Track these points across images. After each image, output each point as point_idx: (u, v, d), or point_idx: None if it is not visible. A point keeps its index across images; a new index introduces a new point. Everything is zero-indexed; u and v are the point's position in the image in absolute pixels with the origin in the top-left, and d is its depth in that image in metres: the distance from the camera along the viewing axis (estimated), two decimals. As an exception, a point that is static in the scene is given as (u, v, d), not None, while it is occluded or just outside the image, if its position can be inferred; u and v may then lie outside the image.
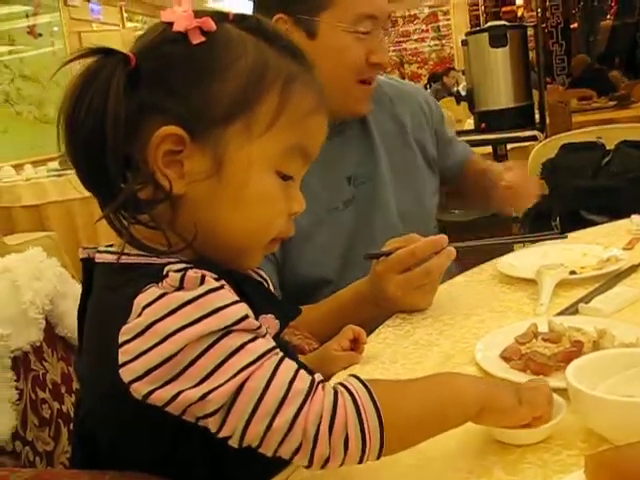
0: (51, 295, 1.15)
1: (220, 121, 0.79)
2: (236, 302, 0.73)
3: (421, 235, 1.29)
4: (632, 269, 1.39)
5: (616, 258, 1.42)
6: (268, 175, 0.82)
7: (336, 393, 0.72)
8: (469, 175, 1.88)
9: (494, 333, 1.13)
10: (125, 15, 10.26)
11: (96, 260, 0.83)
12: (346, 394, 0.72)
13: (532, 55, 5.12)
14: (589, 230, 1.79)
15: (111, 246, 0.83)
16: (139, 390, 0.70)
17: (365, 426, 0.71)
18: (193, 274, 0.72)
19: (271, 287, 0.93)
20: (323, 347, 1.14)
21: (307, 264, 1.52)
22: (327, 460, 0.71)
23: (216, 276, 0.75)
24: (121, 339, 0.71)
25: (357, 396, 0.72)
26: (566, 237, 1.49)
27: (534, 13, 6.29)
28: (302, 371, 0.73)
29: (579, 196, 3.00)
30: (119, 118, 0.76)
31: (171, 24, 0.80)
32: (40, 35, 8.71)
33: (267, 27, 0.86)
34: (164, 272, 0.73)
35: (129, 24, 10.27)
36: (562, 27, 5.61)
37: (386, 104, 1.72)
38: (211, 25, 0.80)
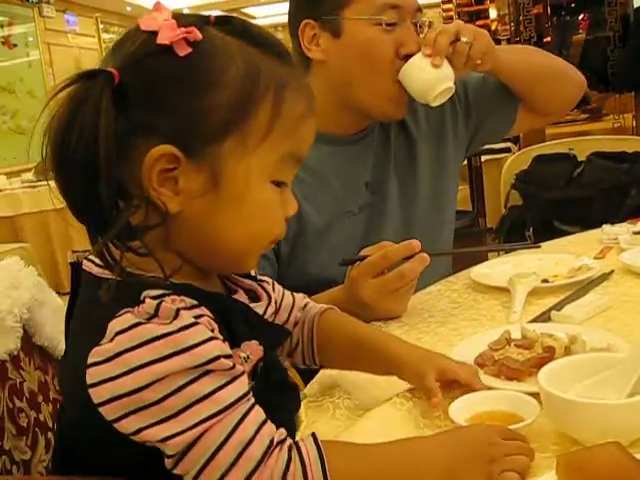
0: (28, 304, 1.14)
1: (215, 136, 0.77)
2: (210, 339, 0.72)
3: (429, 245, 1.29)
4: (603, 277, 1.42)
5: (587, 267, 1.45)
6: (265, 185, 0.81)
7: (289, 461, 0.71)
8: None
9: (468, 340, 1.15)
10: (101, 26, 10.22)
11: (83, 267, 0.82)
12: (298, 463, 0.71)
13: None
14: (561, 240, 1.81)
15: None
16: (106, 414, 0.71)
17: None
18: (169, 305, 0.71)
19: (270, 290, 0.93)
20: None
21: (318, 265, 1.51)
22: None
23: (196, 302, 0.74)
24: (90, 360, 0.71)
25: (309, 469, 0.71)
26: (539, 247, 1.50)
27: (508, 27, 6.36)
28: (264, 428, 0.72)
29: (552, 207, 3.03)
30: (111, 142, 0.73)
31: (152, 33, 0.77)
32: (15, 46, 8.67)
33: (252, 29, 0.84)
34: (141, 297, 0.72)
35: (105, 35, 10.23)
36: (535, 41, 5.67)
37: None
38: (197, 35, 0.77)
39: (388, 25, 1.45)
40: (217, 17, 0.83)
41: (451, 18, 8.24)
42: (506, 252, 1.70)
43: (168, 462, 0.72)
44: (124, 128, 0.75)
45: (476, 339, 1.14)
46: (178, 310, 0.71)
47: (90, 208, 0.76)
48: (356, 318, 1.10)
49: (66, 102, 0.75)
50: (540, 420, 0.84)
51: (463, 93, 1.69)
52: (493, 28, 7.77)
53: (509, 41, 5.07)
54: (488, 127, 1.73)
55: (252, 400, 0.74)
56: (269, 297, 0.92)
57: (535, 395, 0.86)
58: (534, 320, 1.23)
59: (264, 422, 0.73)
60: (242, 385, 0.74)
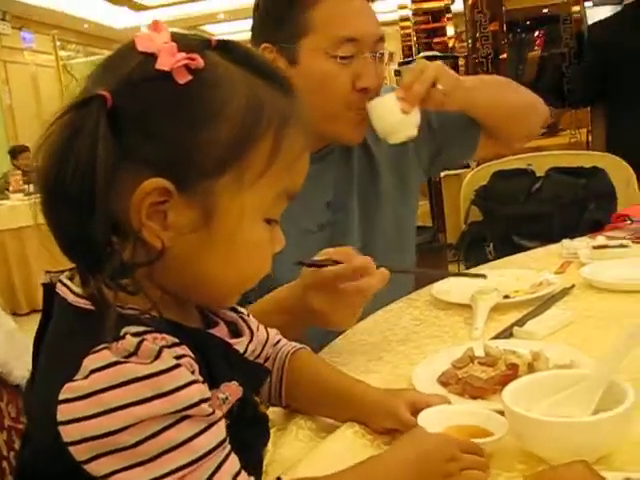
0: (-20, 328, 1.11)
1: (211, 172, 0.73)
2: (191, 383, 0.68)
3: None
4: (564, 292, 1.42)
5: (548, 282, 1.45)
6: (257, 224, 0.78)
7: None
8: None
9: (431, 358, 1.14)
10: (58, 43, 10.14)
11: (56, 290, 0.77)
12: None
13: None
14: (521, 255, 1.82)
15: (74, 272, 0.77)
16: (76, 454, 0.67)
17: None
18: (150, 344, 0.67)
19: (252, 324, 0.91)
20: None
21: (274, 281, 1.47)
22: None
23: (177, 341, 0.71)
24: (62, 396, 0.67)
25: None
26: (485, 277, 1.46)
27: (465, 44, 6.42)
28: (240, 477, 0.71)
29: (511, 222, 3.06)
30: (109, 171, 0.68)
31: (150, 55, 0.72)
32: (-30, 63, 8.56)
33: (255, 57, 0.80)
34: (121, 333, 0.68)
35: (62, 52, 10.15)
36: (492, 57, 5.73)
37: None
38: (199, 62, 0.72)
39: (344, 58, 1.44)
40: (218, 41, 0.78)
41: (409, 35, 8.31)
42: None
43: None
44: (116, 156, 0.70)
45: (439, 357, 1.13)
46: (160, 350, 0.67)
47: (84, 245, 0.70)
48: (302, 323, 1.12)
49: (58, 133, 0.70)
50: (506, 438, 0.83)
51: (426, 118, 1.68)
52: (450, 45, 7.85)
53: (466, 58, 5.12)
54: (450, 153, 1.74)
55: (228, 448, 0.71)
56: (251, 333, 0.89)
57: (500, 413, 0.85)
58: (497, 336, 1.23)
59: (238, 473, 0.71)
60: (219, 431, 0.71)
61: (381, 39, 1.49)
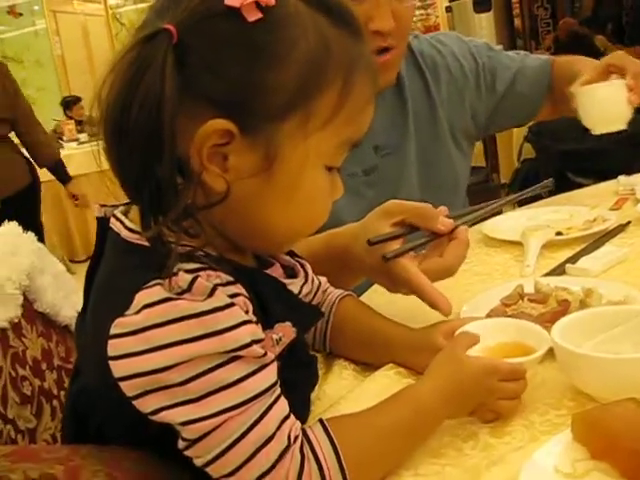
0: (28, 270, 1.12)
1: (275, 115, 0.71)
2: (244, 323, 0.68)
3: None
4: (619, 229, 1.38)
5: (603, 218, 1.41)
6: (319, 171, 0.76)
7: (303, 459, 0.69)
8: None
9: (480, 296, 1.12)
10: (108, -9, 10.14)
11: (110, 225, 0.77)
12: (313, 462, 0.69)
13: (517, 22, 5.06)
14: (576, 192, 1.78)
15: (129, 207, 0.77)
16: (125, 389, 0.68)
17: None
18: (205, 282, 0.67)
19: (308, 269, 0.89)
20: None
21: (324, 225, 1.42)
22: None
23: (232, 279, 0.70)
24: (113, 330, 0.67)
25: (324, 464, 0.70)
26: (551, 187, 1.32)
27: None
28: (286, 424, 0.70)
29: (566, 159, 2.98)
30: (176, 108, 0.67)
31: None
32: (21, 15, 8.63)
33: None
34: (174, 270, 0.67)
35: (111, 1, 10.14)
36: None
37: (423, 73, 1.61)
38: (270, 0, 0.69)
39: None
40: None
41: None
42: (521, 204, 1.64)
43: (181, 444, 0.69)
44: (181, 93, 0.68)
45: (488, 295, 1.10)
46: (214, 287, 0.67)
47: (149, 184, 0.67)
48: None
49: (124, 69, 0.68)
50: (555, 376, 0.81)
51: (491, 79, 1.65)
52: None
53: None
54: (504, 122, 1.74)
55: (278, 391, 0.71)
56: (306, 275, 0.88)
57: (549, 351, 0.83)
58: (548, 274, 1.20)
59: (286, 417, 0.70)
60: (270, 375, 0.70)
61: None
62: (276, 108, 0.70)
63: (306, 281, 0.87)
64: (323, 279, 1.03)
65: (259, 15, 0.69)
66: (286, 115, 0.71)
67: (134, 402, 0.68)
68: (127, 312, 0.67)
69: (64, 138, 7.22)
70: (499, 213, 1.58)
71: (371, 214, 1.07)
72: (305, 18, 0.72)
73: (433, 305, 0.99)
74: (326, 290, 1.03)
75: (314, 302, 0.98)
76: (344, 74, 0.73)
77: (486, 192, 3.89)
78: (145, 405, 0.67)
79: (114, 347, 0.67)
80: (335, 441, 0.71)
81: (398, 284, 1.03)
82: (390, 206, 1.06)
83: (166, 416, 0.67)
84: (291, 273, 0.87)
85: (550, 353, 0.82)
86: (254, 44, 0.70)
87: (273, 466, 0.67)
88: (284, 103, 0.71)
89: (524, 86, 1.67)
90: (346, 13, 0.76)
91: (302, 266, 0.89)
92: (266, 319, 0.74)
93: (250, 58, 0.70)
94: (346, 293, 1.04)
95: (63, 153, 6.57)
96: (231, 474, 0.68)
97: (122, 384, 0.67)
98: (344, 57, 0.74)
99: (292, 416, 0.71)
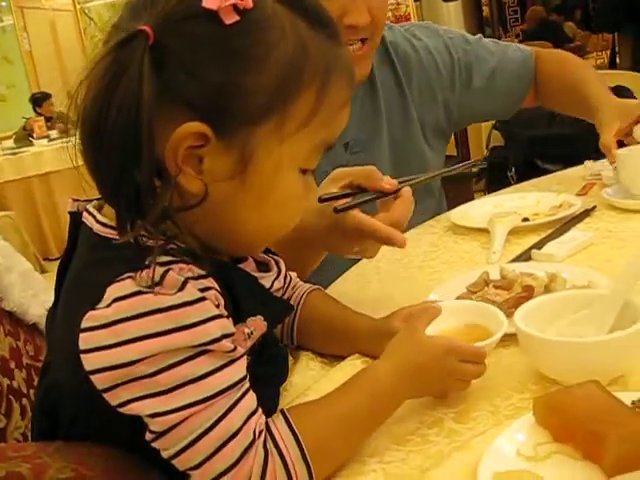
0: (-7, 269, 1.11)
1: (251, 119, 0.70)
2: (215, 317, 0.68)
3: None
4: (585, 214, 1.38)
5: (569, 204, 1.42)
6: (293, 174, 0.76)
7: (266, 456, 0.69)
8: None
9: (447, 284, 1.12)
10: (77, -10, 10.02)
11: (83, 219, 0.77)
12: (277, 457, 0.69)
13: (486, 10, 5.09)
14: (543, 178, 1.78)
15: (102, 202, 0.76)
16: (96, 382, 0.68)
17: None
18: (176, 275, 0.66)
19: (281, 264, 0.90)
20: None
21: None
22: None
23: (204, 272, 0.70)
24: (84, 324, 0.67)
25: (289, 460, 0.70)
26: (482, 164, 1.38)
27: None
28: (252, 419, 0.69)
29: (534, 145, 2.99)
30: (154, 110, 0.66)
31: None
32: (-13, 11, 8.52)
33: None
34: (146, 262, 0.66)
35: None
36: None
37: (395, 67, 1.59)
38: (248, 3, 0.69)
39: None
40: None
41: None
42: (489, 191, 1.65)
43: (149, 435, 0.69)
44: (158, 96, 0.67)
45: (454, 282, 1.11)
46: (185, 281, 0.67)
47: (126, 186, 0.67)
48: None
49: (101, 72, 0.67)
50: (519, 360, 0.82)
51: (466, 74, 1.64)
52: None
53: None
54: (482, 114, 1.78)
55: (246, 386, 0.71)
56: (279, 271, 0.89)
57: (513, 336, 0.83)
58: (514, 260, 1.21)
59: (253, 412, 0.70)
60: (238, 369, 0.70)
61: None
62: (252, 111, 0.70)
63: (278, 276, 0.88)
64: (293, 274, 1.03)
65: (237, 18, 0.68)
66: (262, 118, 0.71)
67: (104, 395, 0.68)
68: (98, 305, 0.67)
69: (34, 135, 7.16)
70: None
71: (320, 185, 1.09)
72: (283, 21, 0.72)
73: (388, 241, 1.03)
74: (295, 285, 1.04)
75: (284, 297, 0.98)
76: (321, 77, 0.73)
77: (457, 181, 3.91)
78: (115, 397, 0.68)
79: (85, 340, 0.67)
80: (297, 433, 0.71)
81: (352, 236, 1.06)
82: (337, 172, 1.11)
83: (135, 408, 0.67)
84: (265, 269, 0.87)
85: (514, 337, 0.83)
86: (231, 47, 0.69)
87: (237, 461, 0.67)
88: (260, 106, 0.70)
89: (504, 81, 1.66)
90: (324, 16, 0.76)
91: (276, 263, 0.89)
92: (238, 313, 0.74)
93: (227, 61, 0.69)
94: (314, 287, 1.04)
95: (33, 150, 6.54)
96: (196, 467, 0.68)
97: (93, 377, 0.67)
98: (321, 60, 0.73)
99: (259, 410, 0.71)
